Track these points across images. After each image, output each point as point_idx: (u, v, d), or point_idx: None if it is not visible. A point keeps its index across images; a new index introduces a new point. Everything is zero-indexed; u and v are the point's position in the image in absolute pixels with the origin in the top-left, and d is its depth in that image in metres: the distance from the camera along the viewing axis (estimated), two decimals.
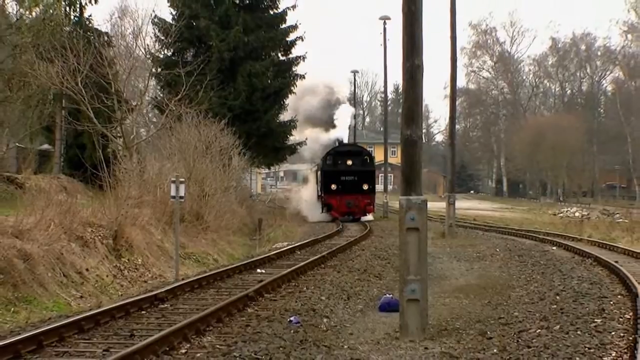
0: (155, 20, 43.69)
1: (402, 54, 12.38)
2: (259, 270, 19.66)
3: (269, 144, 47.84)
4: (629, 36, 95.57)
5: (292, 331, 11.74)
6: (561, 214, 59.62)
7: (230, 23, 45.37)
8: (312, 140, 55.40)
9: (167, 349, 10.31)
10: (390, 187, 61.42)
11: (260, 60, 46.44)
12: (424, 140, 13.00)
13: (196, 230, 28.16)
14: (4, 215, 18.63)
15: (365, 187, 46.00)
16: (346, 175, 45.97)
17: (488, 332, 11.81)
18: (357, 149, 49.68)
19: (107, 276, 19.61)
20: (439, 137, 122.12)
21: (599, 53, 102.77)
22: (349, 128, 64.63)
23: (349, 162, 46.56)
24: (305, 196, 56.31)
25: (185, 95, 34.37)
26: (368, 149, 57.41)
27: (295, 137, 51.29)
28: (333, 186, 45.95)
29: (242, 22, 45.08)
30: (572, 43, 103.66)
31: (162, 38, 43.60)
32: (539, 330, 11.81)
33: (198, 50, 44.72)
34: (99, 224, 21.55)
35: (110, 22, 44.59)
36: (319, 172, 50.24)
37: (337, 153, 47.85)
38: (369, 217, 46.68)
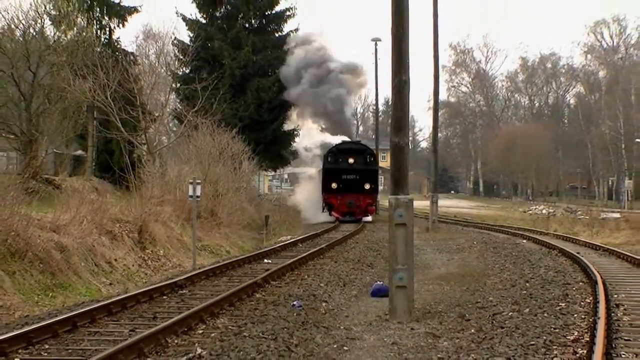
0: (175, 41, 43.87)
1: (391, 71, 12.40)
2: (265, 261, 19.65)
3: (274, 150, 47.76)
4: (589, 56, 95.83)
5: (295, 314, 11.74)
6: (530, 211, 59.58)
7: (240, 44, 45.42)
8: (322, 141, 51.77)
9: (186, 329, 10.31)
10: (380, 188, 61.28)
11: (267, 76, 46.51)
12: (410, 147, 12.95)
13: (211, 225, 28.17)
14: (43, 212, 18.64)
15: (367, 186, 39.56)
16: (347, 173, 39.53)
17: (466, 315, 11.81)
18: (360, 147, 42.31)
19: (133, 266, 19.63)
20: (424, 144, 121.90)
21: (563, 71, 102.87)
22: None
23: (351, 161, 39.88)
24: (308, 197, 48.01)
25: (201, 107, 34.44)
26: None
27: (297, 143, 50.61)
28: (334, 185, 39.48)
29: (251, 44, 45.17)
30: (540, 62, 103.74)
31: (181, 57, 43.62)
32: (511, 313, 11.81)
33: (212, 67, 44.68)
34: (125, 220, 21.58)
35: (135, 43, 44.70)
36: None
37: (338, 151, 40.86)
38: (369, 217, 40.37)
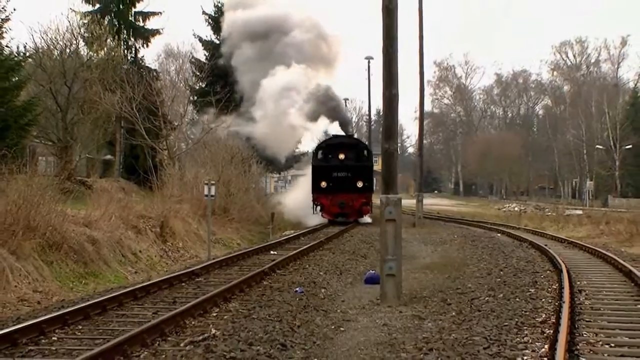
0: (193, 60, 43.80)
1: (382, 85, 12.41)
2: (272, 252, 19.61)
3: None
4: (555, 73, 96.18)
5: (297, 299, 11.73)
6: (504, 209, 59.56)
7: None
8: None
9: (202, 312, 10.29)
10: (374, 189, 60.89)
11: None
12: (399, 152, 12.74)
13: (223, 221, 28.12)
14: (77, 210, 18.65)
15: (360, 184, 31.86)
16: (338, 171, 31.91)
17: (448, 299, 11.80)
18: (352, 142, 34.83)
19: (155, 256, 19.62)
20: (410, 150, 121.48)
21: (532, 85, 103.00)
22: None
23: (342, 156, 32.25)
24: (301, 198, 36.54)
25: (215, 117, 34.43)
26: None
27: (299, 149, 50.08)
28: (323, 184, 31.84)
29: None
30: (512, 77, 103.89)
31: (198, 74, 43.63)
32: (487, 298, 11.81)
33: (225, 82, 44.67)
34: (149, 216, 21.56)
35: (158, 61, 44.62)
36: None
37: (328, 146, 33.20)
38: (366, 218, 33.38)
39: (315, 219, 32.57)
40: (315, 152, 33.59)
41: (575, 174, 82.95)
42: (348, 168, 32.11)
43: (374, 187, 36.20)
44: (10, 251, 13.59)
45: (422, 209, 35.16)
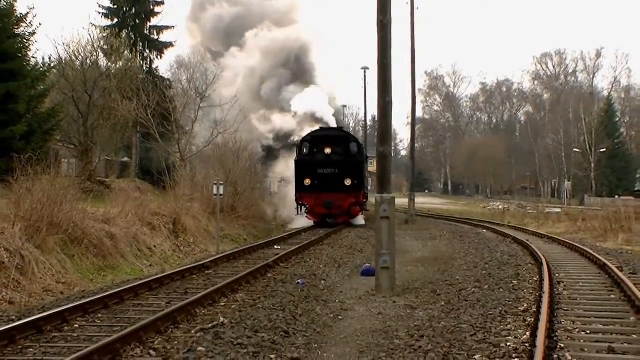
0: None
1: (377, 93, 12.42)
2: (276, 247, 19.62)
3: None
4: (536, 82, 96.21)
5: (299, 290, 11.73)
6: (489, 207, 59.52)
7: None
8: None
9: (211, 302, 10.29)
10: (369, 189, 60.80)
11: None
12: (392, 155, 12.66)
13: (231, 218, 28.06)
14: (96, 208, 18.64)
15: (348, 182, 26.56)
16: (324, 167, 26.59)
17: (438, 290, 11.81)
18: (340, 134, 28.44)
19: (168, 251, 19.60)
20: (403, 152, 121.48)
21: (515, 93, 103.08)
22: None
23: (328, 151, 26.77)
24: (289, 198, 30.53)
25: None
26: None
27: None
28: (307, 181, 26.61)
29: None
30: (497, 86, 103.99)
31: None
32: (474, 289, 11.81)
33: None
34: (163, 214, 21.54)
35: (170, 71, 44.60)
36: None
37: (313, 139, 27.50)
38: (360, 220, 28.43)
39: (302, 220, 27.85)
40: (299, 146, 27.98)
41: (554, 175, 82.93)
42: (335, 164, 26.74)
43: (369, 186, 34.59)
44: (35, 246, 13.59)
45: (414, 207, 35.16)
